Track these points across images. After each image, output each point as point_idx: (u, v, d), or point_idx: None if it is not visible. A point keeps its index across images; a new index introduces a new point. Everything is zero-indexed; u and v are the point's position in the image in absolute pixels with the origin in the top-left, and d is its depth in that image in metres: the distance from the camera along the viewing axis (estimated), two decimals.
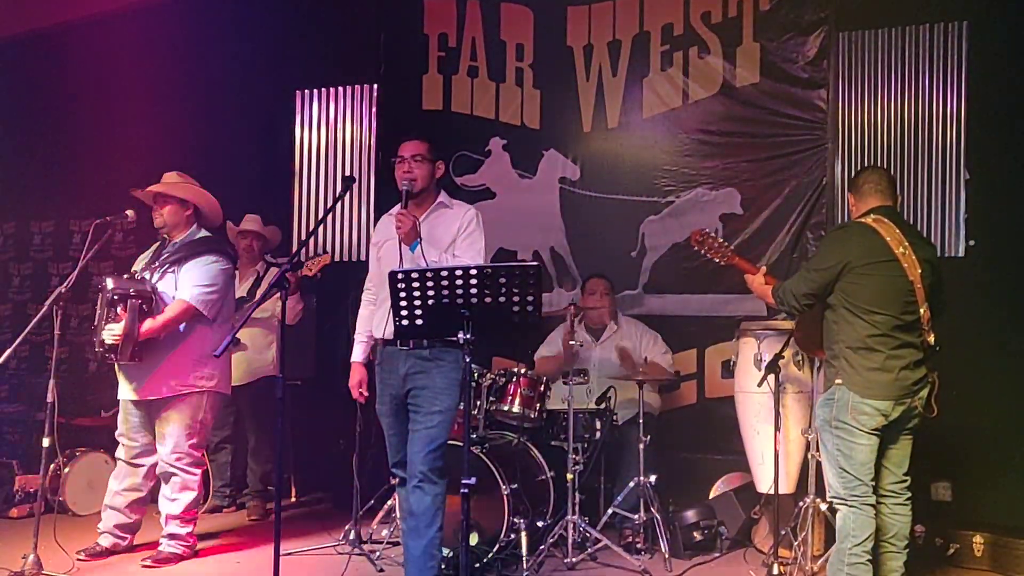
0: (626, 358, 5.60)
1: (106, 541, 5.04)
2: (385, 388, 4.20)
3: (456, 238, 4.16)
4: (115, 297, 4.78)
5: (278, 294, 3.74)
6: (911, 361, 3.90)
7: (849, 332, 3.94)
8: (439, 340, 4.00)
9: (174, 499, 4.98)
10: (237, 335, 5.18)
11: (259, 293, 6.01)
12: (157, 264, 5.03)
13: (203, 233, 5.15)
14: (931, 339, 3.93)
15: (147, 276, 4.98)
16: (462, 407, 3.87)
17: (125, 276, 5.00)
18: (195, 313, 4.93)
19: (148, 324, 4.81)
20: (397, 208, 4.14)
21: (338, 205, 7.01)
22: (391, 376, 4.15)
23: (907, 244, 3.93)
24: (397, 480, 4.33)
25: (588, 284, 5.93)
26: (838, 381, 3.95)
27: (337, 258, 6.98)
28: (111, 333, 4.76)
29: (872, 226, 3.98)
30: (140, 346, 4.80)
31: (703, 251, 4.49)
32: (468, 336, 3.47)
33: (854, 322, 3.93)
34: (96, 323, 4.88)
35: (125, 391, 5.01)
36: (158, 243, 5.21)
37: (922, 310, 3.91)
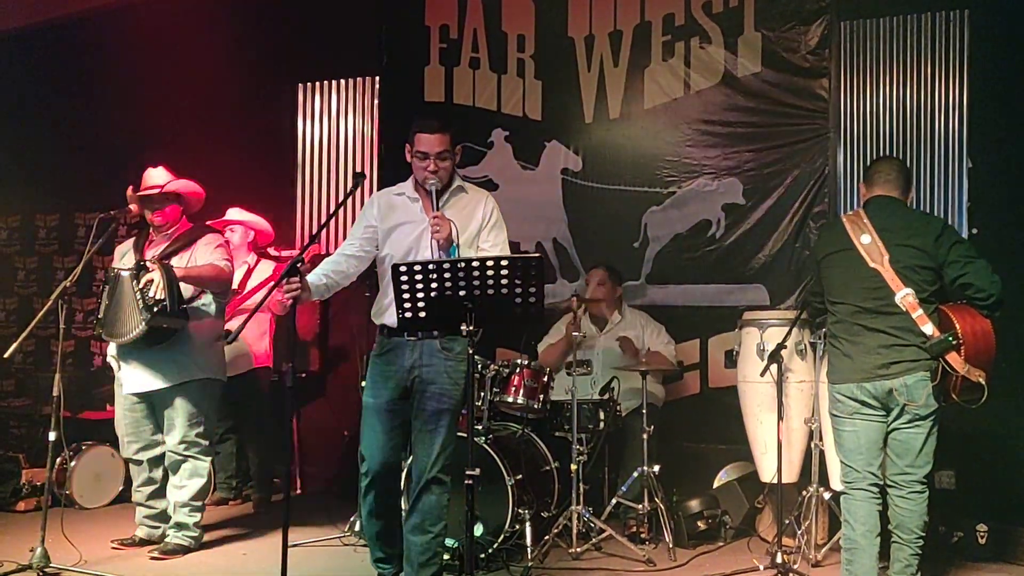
0: (629, 349, 5.61)
1: (141, 532, 5.12)
2: (382, 381, 3.97)
3: (480, 230, 4.01)
4: (142, 264, 4.76)
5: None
6: (878, 345, 3.91)
7: (829, 323, 4.11)
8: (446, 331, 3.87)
9: (182, 486, 4.99)
10: (224, 326, 5.22)
11: (247, 284, 6.04)
12: (158, 254, 4.96)
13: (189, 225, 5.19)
14: (927, 328, 3.84)
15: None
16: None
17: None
18: (221, 282, 4.96)
19: (186, 269, 4.82)
20: (408, 190, 4.05)
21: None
22: (393, 368, 3.95)
23: (877, 231, 3.93)
24: (368, 481, 3.98)
25: (588, 274, 5.97)
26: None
27: None
28: (155, 285, 4.67)
29: (841, 219, 4.11)
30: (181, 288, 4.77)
31: None
32: (471, 328, 3.46)
33: (830, 313, 4.09)
34: (100, 314, 4.83)
35: (124, 385, 5.02)
36: (134, 237, 5.21)
37: (900, 295, 3.87)
